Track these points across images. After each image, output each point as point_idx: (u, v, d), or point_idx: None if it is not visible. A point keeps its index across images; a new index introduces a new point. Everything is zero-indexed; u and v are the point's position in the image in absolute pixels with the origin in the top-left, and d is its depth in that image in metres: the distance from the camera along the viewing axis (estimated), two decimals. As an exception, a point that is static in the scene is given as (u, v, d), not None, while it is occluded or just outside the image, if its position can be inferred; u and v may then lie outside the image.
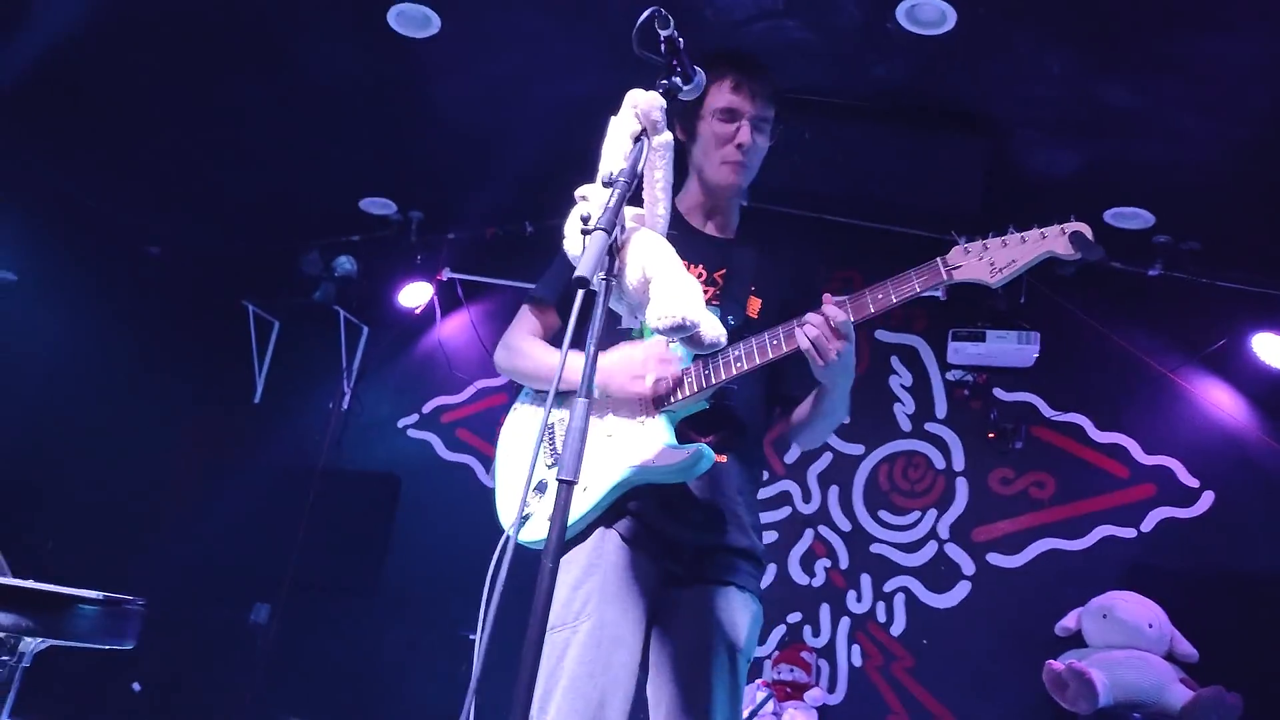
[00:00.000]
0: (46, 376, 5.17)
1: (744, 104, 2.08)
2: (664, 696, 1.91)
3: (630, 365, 1.93)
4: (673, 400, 1.93)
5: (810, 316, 1.79)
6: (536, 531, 1.97)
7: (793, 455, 4.94)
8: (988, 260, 1.75)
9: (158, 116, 4.60)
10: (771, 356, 1.87)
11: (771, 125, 2.14)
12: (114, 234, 5.51)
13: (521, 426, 2.18)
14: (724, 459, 1.99)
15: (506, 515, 2.05)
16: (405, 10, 3.76)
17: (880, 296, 1.78)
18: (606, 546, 1.95)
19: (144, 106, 4.53)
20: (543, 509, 1.97)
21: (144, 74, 4.29)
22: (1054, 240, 1.71)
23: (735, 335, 1.91)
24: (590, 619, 1.89)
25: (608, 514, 1.97)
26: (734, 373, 1.89)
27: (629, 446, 1.94)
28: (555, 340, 2.21)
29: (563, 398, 2.10)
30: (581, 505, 1.94)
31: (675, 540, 1.96)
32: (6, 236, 5.01)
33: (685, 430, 1.96)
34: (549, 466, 2.06)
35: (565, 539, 1.93)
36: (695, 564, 1.97)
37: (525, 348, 2.15)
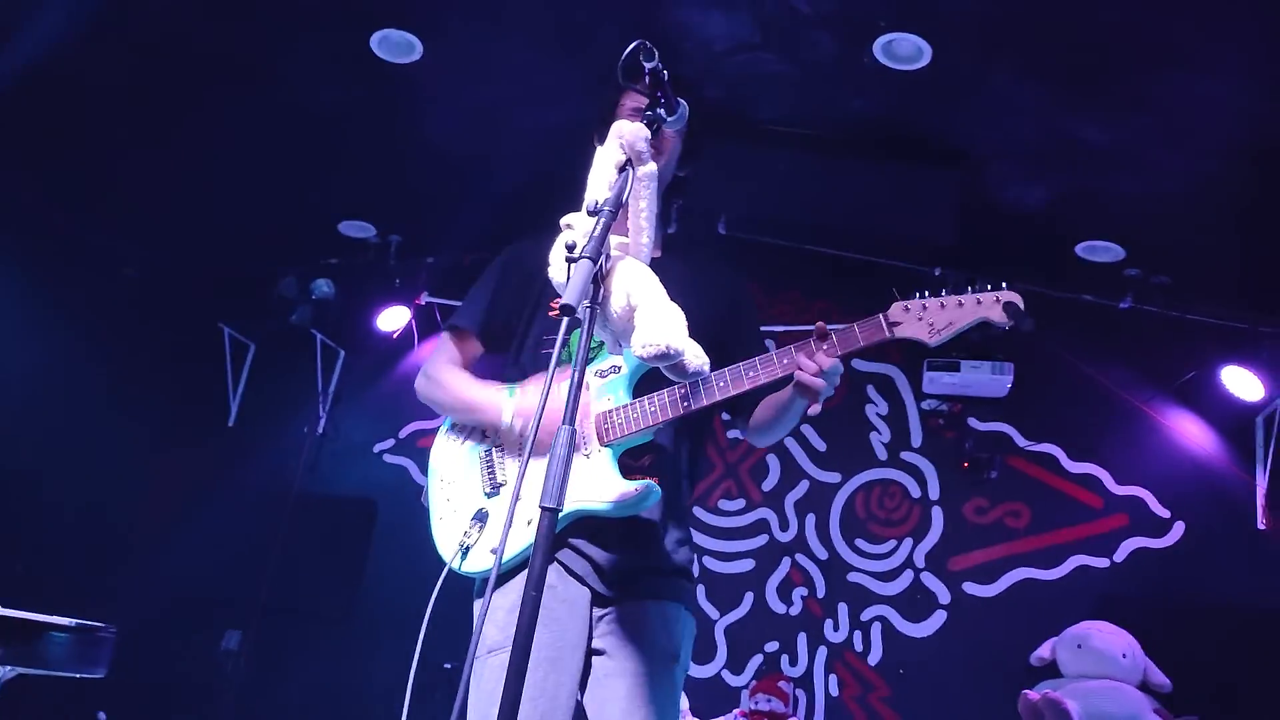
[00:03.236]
0: (20, 398, 5.09)
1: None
2: (609, 709, 1.91)
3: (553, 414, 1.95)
4: (622, 434, 1.95)
5: (805, 366, 1.84)
6: (480, 562, 1.99)
7: (770, 483, 4.95)
8: (927, 321, 1.84)
9: (136, 138, 4.58)
10: (731, 394, 1.89)
11: (682, 127, 2.12)
12: (90, 256, 5.47)
13: (450, 453, 2.17)
14: (655, 480, 2.01)
15: (445, 546, 2.04)
16: (388, 36, 3.79)
17: (826, 348, 1.85)
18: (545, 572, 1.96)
19: (122, 128, 4.51)
20: (485, 540, 1.99)
21: (122, 96, 4.27)
22: (989, 308, 1.82)
23: None
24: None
25: None
26: (685, 410, 1.91)
27: (577, 482, 1.93)
28: (476, 368, 2.22)
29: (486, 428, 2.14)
30: (525, 538, 1.93)
31: (606, 565, 1.98)
32: (-19, 256, 4.96)
33: (621, 459, 1.97)
34: (487, 495, 2.06)
35: (507, 569, 1.95)
36: (623, 585, 1.99)
37: (444, 377, 2.17)
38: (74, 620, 2.05)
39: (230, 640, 5.27)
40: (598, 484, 1.93)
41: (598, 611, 1.98)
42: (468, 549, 2.00)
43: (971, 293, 1.83)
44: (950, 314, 1.83)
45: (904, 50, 3.51)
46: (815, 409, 1.87)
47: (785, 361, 1.86)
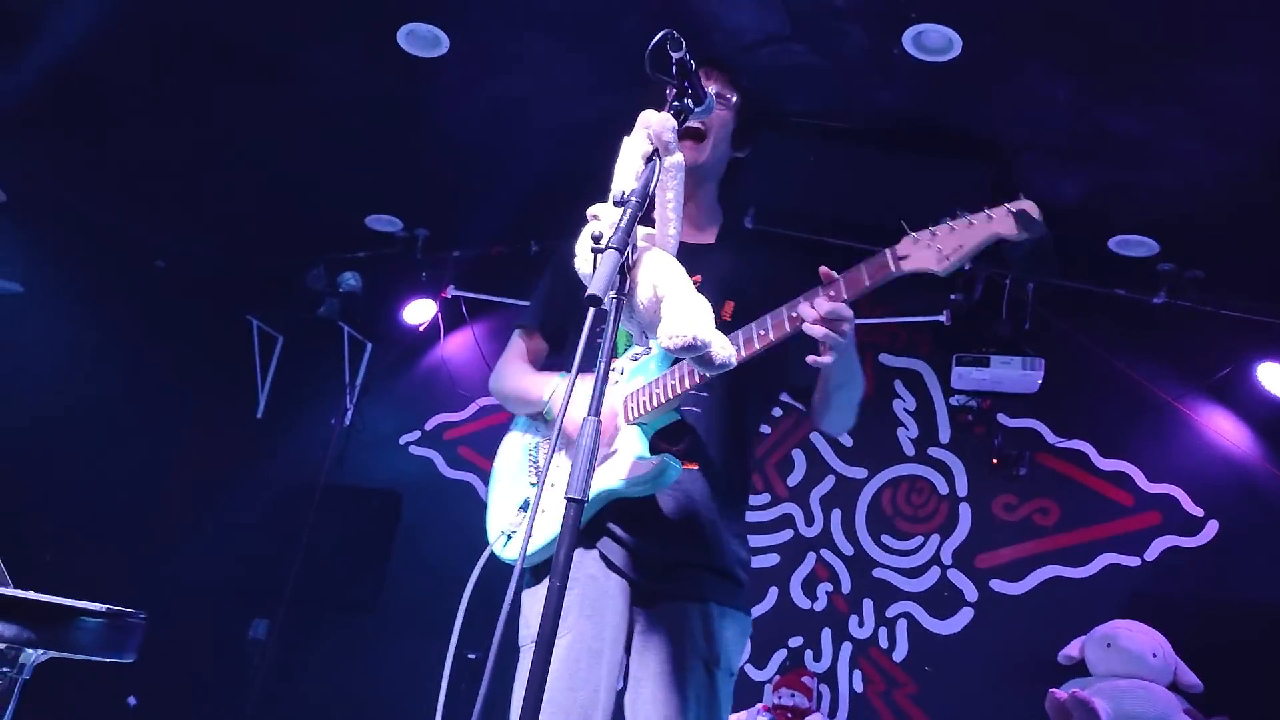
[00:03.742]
0: (50, 387, 5.17)
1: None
2: (641, 712, 1.91)
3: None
4: (642, 412, 1.92)
5: (807, 314, 1.76)
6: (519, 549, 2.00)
7: (795, 478, 4.93)
8: (935, 248, 1.70)
9: (166, 131, 4.62)
10: (752, 350, 1.82)
11: (735, 102, 2.15)
12: (120, 247, 5.53)
13: (512, 448, 2.24)
14: (693, 466, 1.99)
15: (493, 533, 2.12)
16: (415, 30, 3.79)
17: (834, 293, 1.76)
18: (583, 562, 1.96)
19: (153, 120, 4.56)
20: (525, 527, 2.02)
21: (153, 88, 4.31)
22: (1000, 221, 1.64)
23: None
24: (568, 633, 1.90)
25: (585, 531, 1.96)
26: (695, 382, 1.86)
27: (605, 464, 1.94)
28: (544, 364, 2.27)
29: (547, 422, 2.17)
30: (555, 522, 1.94)
31: (646, 556, 1.96)
32: (13, 248, 5.03)
33: (656, 442, 1.96)
34: (532, 485, 2.09)
35: (546, 557, 1.96)
36: (667, 579, 1.96)
37: (508, 374, 2.24)
38: (104, 606, 2.07)
39: (257, 629, 5.33)
40: (619, 462, 1.91)
41: (638, 606, 1.95)
42: (510, 535, 2.05)
43: (984, 209, 1.66)
44: (959, 236, 1.67)
45: (934, 42, 3.47)
46: (824, 359, 1.78)
47: (793, 315, 1.79)
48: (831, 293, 1.75)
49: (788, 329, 1.79)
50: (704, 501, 1.99)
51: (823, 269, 1.79)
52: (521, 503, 2.08)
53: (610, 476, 1.91)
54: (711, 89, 2.10)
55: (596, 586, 1.93)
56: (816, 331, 1.75)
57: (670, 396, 1.89)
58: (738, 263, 2.13)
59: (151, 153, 4.82)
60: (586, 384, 1.94)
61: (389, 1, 3.68)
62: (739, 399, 2.09)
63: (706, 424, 2.02)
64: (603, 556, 1.96)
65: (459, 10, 3.70)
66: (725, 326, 1.98)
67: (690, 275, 2.06)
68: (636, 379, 1.98)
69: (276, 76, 4.17)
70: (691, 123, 2.08)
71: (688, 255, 2.10)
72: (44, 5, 3.80)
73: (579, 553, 1.97)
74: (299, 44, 3.97)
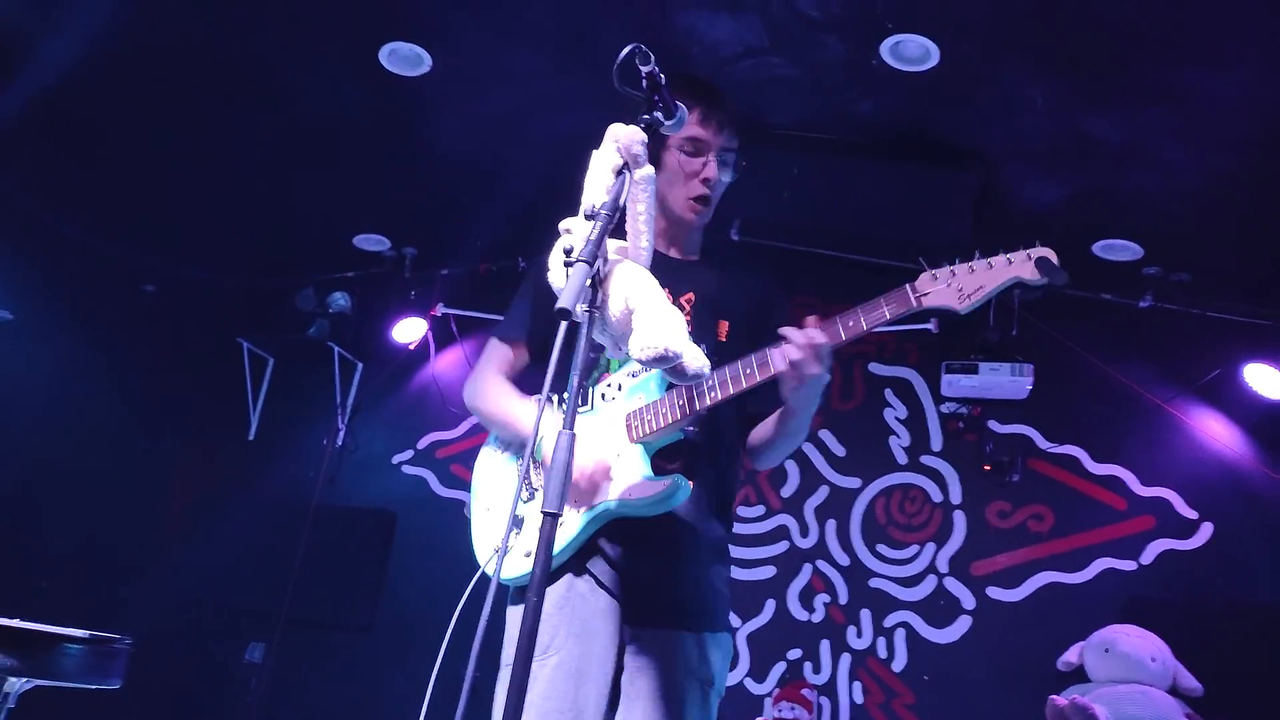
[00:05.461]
0: (41, 413, 5.16)
1: (710, 136, 2.10)
2: None
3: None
4: (649, 431, 1.92)
5: (793, 337, 1.80)
6: (514, 568, 1.98)
7: (789, 489, 4.92)
8: (955, 287, 1.76)
9: (153, 154, 4.64)
10: (747, 385, 1.86)
11: (735, 155, 2.17)
12: (109, 271, 5.53)
13: (492, 465, 2.22)
14: (690, 484, 1.98)
15: (482, 553, 2.06)
16: (397, 49, 3.81)
17: (851, 324, 1.79)
18: (576, 582, 1.96)
19: (139, 144, 4.57)
20: (520, 546, 1.98)
21: (139, 111, 4.33)
22: (1020, 266, 1.73)
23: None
24: (558, 653, 1.90)
25: (579, 549, 1.96)
26: (709, 402, 1.87)
27: (608, 482, 1.93)
28: (522, 374, 2.23)
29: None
30: (559, 539, 1.92)
31: (638, 577, 1.95)
32: (1, 274, 5.03)
33: (654, 459, 1.95)
34: (524, 502, 2.06)
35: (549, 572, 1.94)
36: (659, 603, 1.96)
37: (487, 388, 2.18)
38: (88, 632, 2.06)
39: (254, 652, 5.30)
40: (626, 482, 1.90)
41: (630, 629, 1.94)
42: (506, 553, 2.01)
43: (1002, 254, 1.75)
44: (980, 277, 1.75)
45: (911, 52, 3.49)
46: (795, 387, 1.83)
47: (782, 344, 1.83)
48: (850, 324, 1.80)
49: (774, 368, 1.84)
50: (697, 522, 1.99)
51: (809, 318, 1.84)
52: (515, 519, 2.04)
53: (615, 491, 1.90)
54: (721, 139, 2.11)
55: (586, 606, 1.93)
56: (793, 355, 1.80)
57: (680, 416, 1.88)
58: (726, 280, 2.15)
59: (139, 176, 4.83)
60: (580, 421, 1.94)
61: (370, 21, 3.70)
62: (735, 415, 2.09)
63: (705, 443, 2.02)
64: (595, 576, 1.95)
65: (440, 29, 3.72)
66: (721, 346, 2.01)
67: (683, 293, 2.09)
68: (637, 396, 1.96)
69: (261, 98, 4.18)
70: (704, 191, 2.10)
71: (677, 273, 2.12)
72: (31, 30, 3.82)
73: (572, 572, 1.96)
74: (282, 66, 3.99)
